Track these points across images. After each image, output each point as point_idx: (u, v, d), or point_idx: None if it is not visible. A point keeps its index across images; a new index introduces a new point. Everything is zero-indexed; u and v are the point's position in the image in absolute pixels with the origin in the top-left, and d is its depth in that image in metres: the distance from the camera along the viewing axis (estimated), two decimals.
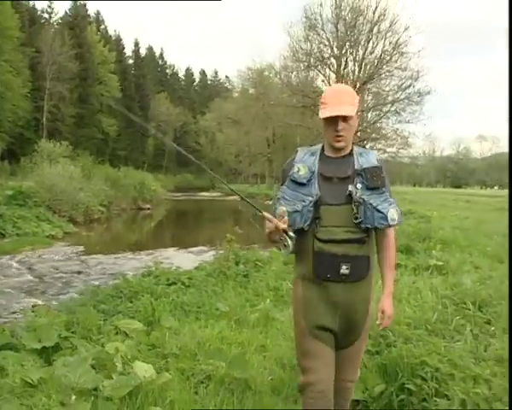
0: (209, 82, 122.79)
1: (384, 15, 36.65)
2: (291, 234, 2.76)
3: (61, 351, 5.05)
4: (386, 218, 2.78)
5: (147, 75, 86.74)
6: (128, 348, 4.33)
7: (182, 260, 11.93)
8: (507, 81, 3.38)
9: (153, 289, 7.92)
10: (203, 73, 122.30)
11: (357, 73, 39.32)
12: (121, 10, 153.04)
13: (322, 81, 41.79)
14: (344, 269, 2.76)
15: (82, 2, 68.02)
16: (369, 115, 42.36)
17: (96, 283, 11.81)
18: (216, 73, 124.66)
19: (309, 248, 2.83)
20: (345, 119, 2.81)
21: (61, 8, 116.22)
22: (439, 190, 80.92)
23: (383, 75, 38.14)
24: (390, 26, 36.60)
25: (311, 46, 39.96)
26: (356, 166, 2.85)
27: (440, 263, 8.77)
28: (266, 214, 2.86)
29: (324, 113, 2.84)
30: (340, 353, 2.95)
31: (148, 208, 40.34)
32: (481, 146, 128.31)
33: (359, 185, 2.79)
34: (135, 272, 11.52)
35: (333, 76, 39.86)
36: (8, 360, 4.66)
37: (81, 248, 18.63)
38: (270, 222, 2.80)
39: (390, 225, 2.83)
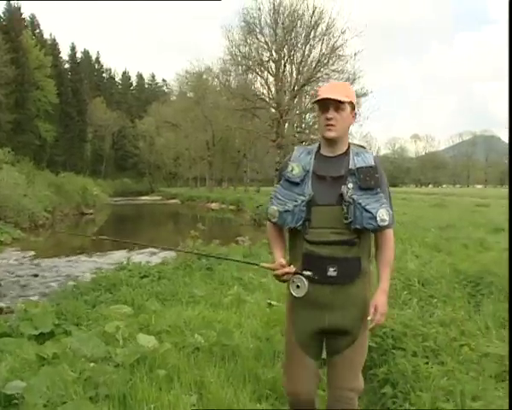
0: (146, 86, 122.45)
1: (321, 19, 37.74)
2: (307, 273, 2.72)
3: (57, 336, 5.60)
4: (374, 218, 2.69)
5: (83, 79, 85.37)
6: (124, 327, 4.91)
7: (136, 260, 12.35)
8: (507, 80, 3.56)
9: (128, 281, 8.48)
10: (140, 76, 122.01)
11: (295, 75, 40.22)
12: (57, 13, 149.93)
13: (261, 84, 42.64)
14: (331, 271, 2.72)
15: (17, 4, 66.24)
16: (308, 117, 43.50)
17: (55, 284, 12.17)
18: (153, 76, 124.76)
19: (299, 250, 2.82)
20: (336, 109, 2.80)
21: None
22: None
23: (321, 78, 39.00)
24: (327, 29, 37.71)
25: (250, 50, 40.70)
26: (350, 166, 2.80)
27: None
28: (266, 265, 2.94)
29: (316, 99, 2.86)
30: (335, 358, 2.91)
31: (91, 213, 40.60)
32: (416, 145, 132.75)
33: (351, 185, 2.73)
34: (91, 273, 11.92)
35: (271, 79, 40.72)
36: (10, 345, 5.19)
37: (32, 252, 18.80)
38: (273, 270, 2.81)
39: (380, 226, 2.73)
